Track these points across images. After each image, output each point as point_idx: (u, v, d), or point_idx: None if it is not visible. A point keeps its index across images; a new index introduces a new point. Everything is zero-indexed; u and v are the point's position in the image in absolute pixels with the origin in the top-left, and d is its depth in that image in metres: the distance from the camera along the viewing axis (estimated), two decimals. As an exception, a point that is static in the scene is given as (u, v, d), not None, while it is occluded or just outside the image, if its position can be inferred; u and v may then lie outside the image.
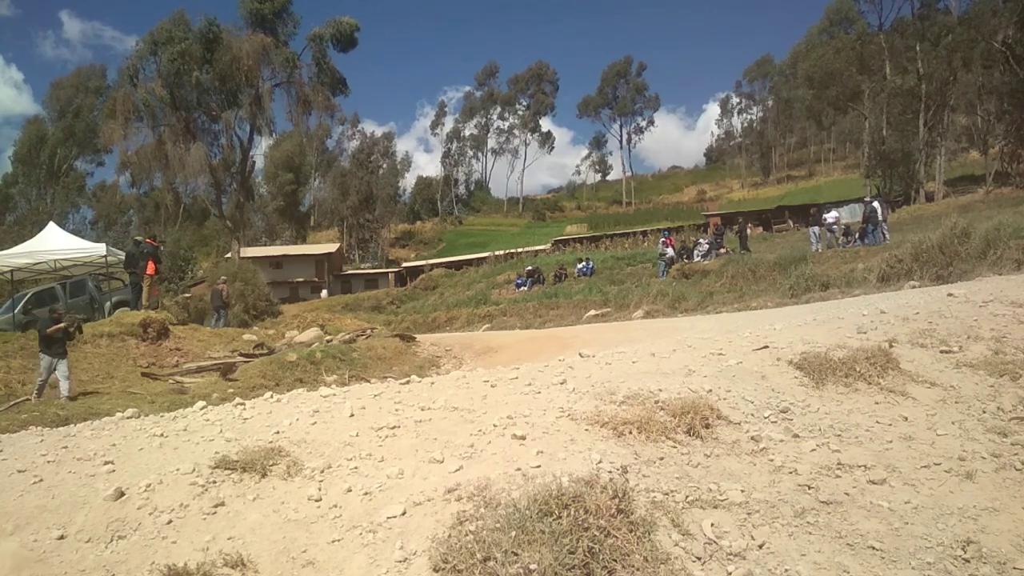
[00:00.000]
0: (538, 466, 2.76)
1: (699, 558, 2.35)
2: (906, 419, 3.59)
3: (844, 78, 38.95)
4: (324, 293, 43.38)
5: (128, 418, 3.92)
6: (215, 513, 2.64)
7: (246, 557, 2.35)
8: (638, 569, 2.19)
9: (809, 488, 2.86)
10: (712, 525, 2.50)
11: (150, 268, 12.60)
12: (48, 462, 3.10)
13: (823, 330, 5.17)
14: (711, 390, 3.69)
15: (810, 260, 15.80)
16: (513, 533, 2.19)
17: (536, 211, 74.17)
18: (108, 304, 14.13)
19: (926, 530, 2.65)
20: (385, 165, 68.01)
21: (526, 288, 25.79)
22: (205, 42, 31.93)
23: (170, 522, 2.58)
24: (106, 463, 3.04)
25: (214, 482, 2.81)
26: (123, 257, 14.30)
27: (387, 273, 49.88)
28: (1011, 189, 31.59)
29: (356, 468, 2.91)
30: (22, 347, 9.81)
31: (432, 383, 4.18)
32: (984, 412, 3.70)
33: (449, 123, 79.52)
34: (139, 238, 14.14)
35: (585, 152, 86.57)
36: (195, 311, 15.78)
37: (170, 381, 9.32)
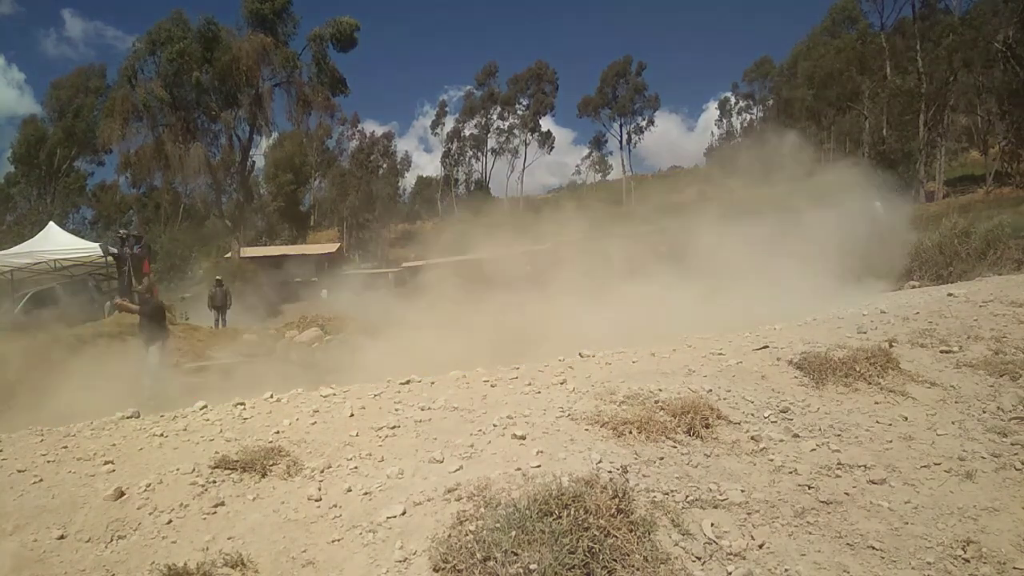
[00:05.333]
0: (538, 466, 2.76)
1: (699, 558, 2.35)
2: (906, 419, 3.59)
3: (844, 78, 38.98)
4: (324, 293, 43.36)
5: (128, 418, 3.91)
6: (215, 513, 2.64)
7: (246, 557, 2.35)
8: (638, 569, 2.19)
9: (809, 488, 2.86)
10: (712, 525, 2.50)
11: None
12: (48, 462, 3.10)
13: (823, 330, 5.17)
14: (711, 390, 3.69)
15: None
16: (513, 533, 2.19)
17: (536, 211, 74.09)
18: (108, 304, 14.15)
19: (926, 530, 2.65)
20: (385, 165, 67.93)
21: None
22: (204, 42, 31.92)
23: (170, 522, 2.58)
24: (106, 463, 3.04)
25: (214, 482, 2.81)
26: None
27: (387, 273, 49.87)
28: (1011, 189, 31.59)
29: (356, 468, 2.91)
30: (23, 348, 9.81)
31: (432, 383, 4.18)
32: (984, 412, 3.70)
33: (449, 123, 79.38)
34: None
35: (585, 152, 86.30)
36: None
37: (170, 381, 9.30)
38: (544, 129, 79.65)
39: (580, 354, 4.77)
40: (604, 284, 12.11)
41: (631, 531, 2.29)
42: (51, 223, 16.51)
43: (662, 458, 2.94)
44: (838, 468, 3.03)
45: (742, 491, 2.74)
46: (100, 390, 8.66)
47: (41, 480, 2.89)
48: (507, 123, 79.19)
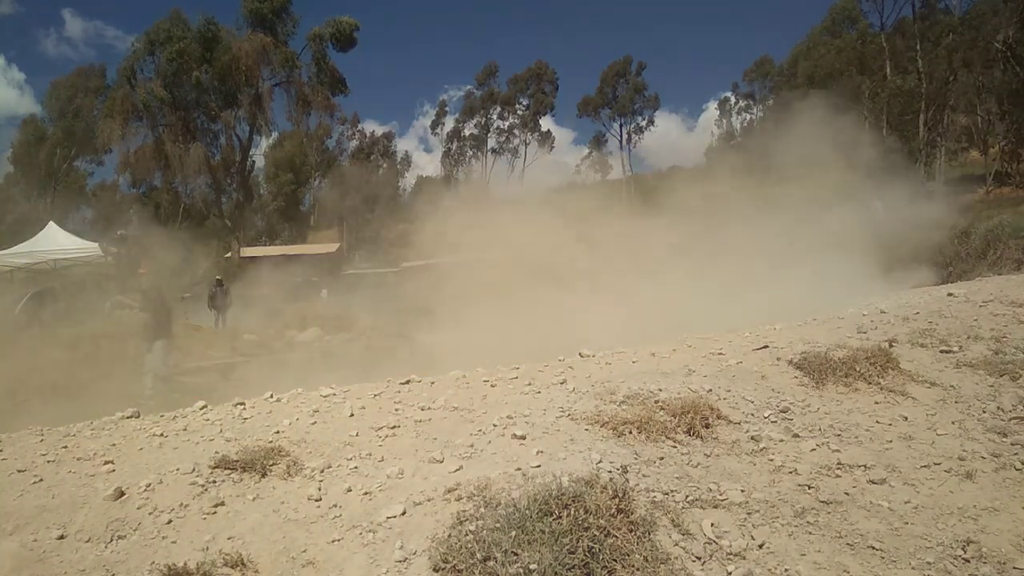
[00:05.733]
0: (538, 466, 2.76)
1: (699, 558, 2.35)
2: (906, 419, 3.59)
3: (844, 78, 38.96)
4: (324, 293, 43.36)
5: (128, 418, 3.91)
6: (215, 513, 2.64)
7: (246, 557, 2.35)
8: (638, 569, 2.19)
9: (809, 488, 2.86)
10: (712, 525, 2.50)
11: None
12: (48, 462, 3.10)
13: (823, 330, 5.18)
14: (711, 390, 3.69)
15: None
16: (513, 533, 2.19)
17: (536, 211, 73.99)
18: (108, 304, 14.17)
19: (926, 530, 2.65)
20: (385, 165, 67.97)
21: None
22: (204, 41, 31.85)
23: (170, 522, 2.58)
24: (106, 463, 3.04)
25: (214, 482, 2.81)
26: None
27: (387, 273, 49.85)
28: (1011, 189, 31.67)
29: (356, 468, 2.91)
30: (23, 347, 9.81)
31: (432, 383, 4.18)
32: (984, 412, 3.70)
33: (449, 123, 79.24)
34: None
35: (585, 152, 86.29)
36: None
37: (170, 381, 9.30)
38: (544, 129, 79.43)
39: (580, 354, 4.77)
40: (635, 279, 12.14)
41: (631, 531, 2.29)
42: (51, 223, 16.54)
43: (662, 458, 2.94)
44: (838, 468, 3.03)
45: (742, 491, 2.74)
46: (100, 389, 8.66)
47: (41, 480, 2.89)
48: (507, 123, 78.98)
